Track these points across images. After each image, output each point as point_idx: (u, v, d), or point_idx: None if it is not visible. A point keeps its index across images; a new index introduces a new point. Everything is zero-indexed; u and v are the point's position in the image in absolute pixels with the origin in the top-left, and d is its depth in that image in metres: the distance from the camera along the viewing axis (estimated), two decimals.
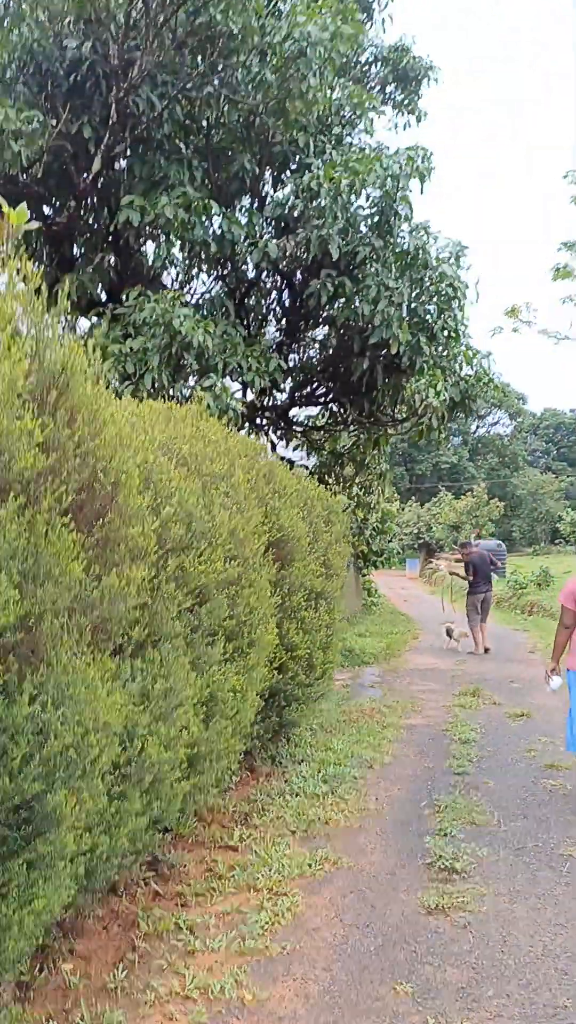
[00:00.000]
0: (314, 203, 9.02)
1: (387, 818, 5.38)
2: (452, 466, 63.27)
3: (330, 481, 13.78)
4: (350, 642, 14.61)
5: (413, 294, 9.85)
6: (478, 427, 72.15)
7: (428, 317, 10.11)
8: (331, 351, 11.29)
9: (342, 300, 9.63)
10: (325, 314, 10.51)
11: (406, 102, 12.75)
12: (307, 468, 13.66)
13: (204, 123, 9.74)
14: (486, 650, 14.38)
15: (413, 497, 55.15)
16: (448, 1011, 3.07)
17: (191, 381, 8.75)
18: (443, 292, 10.04)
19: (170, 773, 3.50)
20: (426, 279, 9.86)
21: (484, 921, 3.84)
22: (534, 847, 4.86)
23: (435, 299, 10.03)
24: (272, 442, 11.95)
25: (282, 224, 9.94)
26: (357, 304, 9.16)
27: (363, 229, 9.48)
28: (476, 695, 10.36)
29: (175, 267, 10.64)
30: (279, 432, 12.30)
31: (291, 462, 13.98)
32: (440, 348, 10.40)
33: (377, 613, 22.71)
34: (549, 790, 6.08)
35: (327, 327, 11.09)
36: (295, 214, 9.42)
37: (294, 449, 13.25)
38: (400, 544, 52.91)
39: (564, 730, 6.52)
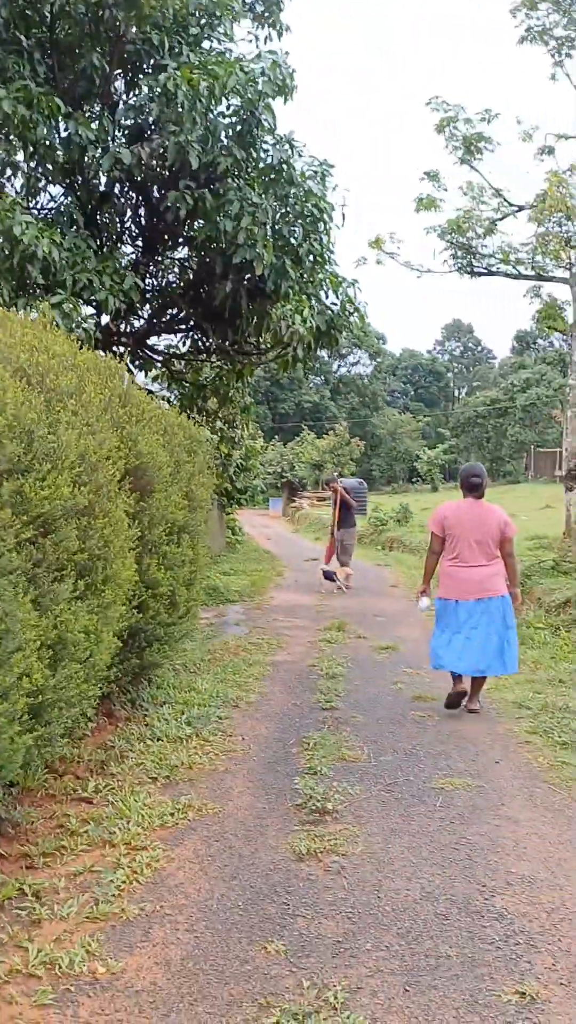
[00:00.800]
0: (171, 107, 8.31)
1: (254, 759, 5.10)
2: (314, 405, 63.63)
3: (192, 414, 13.25)
4: (214, 580, 14.28)
5: (278, 214, 9.36)
6: (339, 367, 72.67)
7: (293, 239, 9.66)
8: (192, 273, 10.67)
9: (202, 219, 9.02)
10: (185, 233, 9.86)
11: (267, 14, 12.01)
12: (168, 401, 13.08)
13: (47, 13, 8.79)
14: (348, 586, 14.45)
15: (276, 436, 55.09)
16: (324, 969, 2.81)
17: (38, 301, 7.99)
18: (309, 212, 9.60)
19: (8, 727, 3.05)
20: (291, 197, 9.38)
21: (358, 865, 3.62)
22: (406, 781, 4.70)
23: (300, 220, 9.58)
24: (129, 370, 11.25)
25: (137, 131, 9.18)
26: (219, 220, 8.57)
27: (224, 139, 8.86)
28: (342, 630, 10.29)
29: (18, 176, 9.67)
30: (137, 361, 11.61)
31: (150, 392, 13.35)
32: (306, 273, 9.99)
33: (241, 551, 22.50)
34: (418, 722, 5.98)
35: (187, 247, 10.45)
36: (150, 119, 8.69)
37: (154, 380, 12.60)
38: (263, 483, 53.01)
39: (428, 661, 6.60)
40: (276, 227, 9.42)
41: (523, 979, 2.74)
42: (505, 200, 14.71)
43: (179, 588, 6.13)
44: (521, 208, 14.64)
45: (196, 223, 9.24)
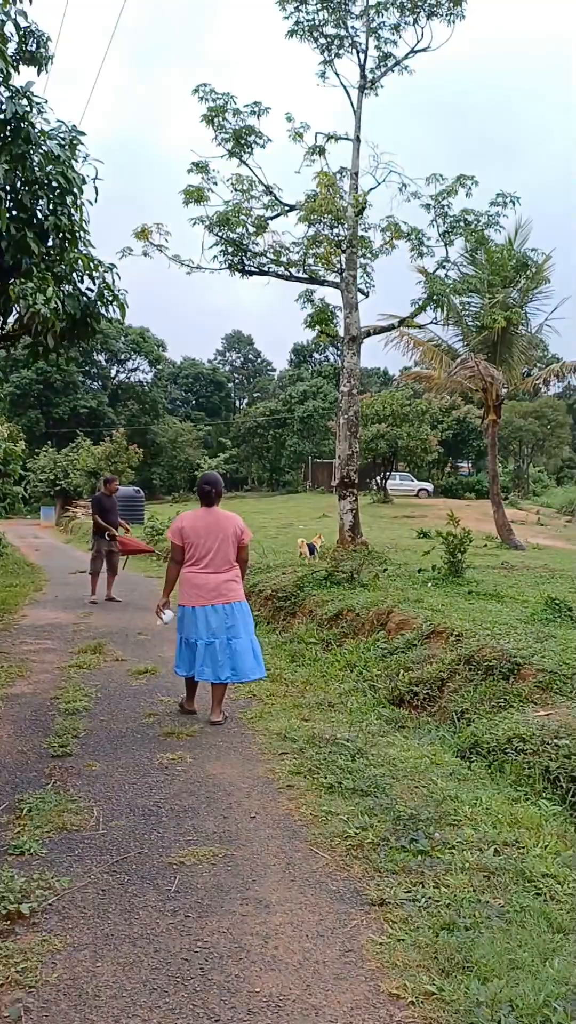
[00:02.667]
0: None
1: None
2: (91, 411, 61.32)
3: None
4: None
5: (17, 180, 8.14)
6: (118, 372, 70.74)
7: (38, 212, 8.48)
8: None
9: None
10: None
11: None
12: None
13: None
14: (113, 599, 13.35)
15: (49, 442, 52.38)
16: None
17: None
18: (55, 183, 8.45)
19: None
20: (33, 163, 8.20)
21: (50, 1003, 2.62)
22: (138, 856, 3.76)
23: (45, 190, 8.41)
24: None
25: None
26: None
27: None
28: (98, 652, 9.18)
29: None
30: None
31: None
32: (53, 251, 8.83)
33: (1, 564, 20.59)
34: (166, 768, 5.04)
35: None
36: None
37: None
38: (35, 491, 50.21)
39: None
40: (17, 196, 8.21)
41: None
42: (276, 198, 14.24)
43: None
44: (292, 208, 14.23)
45: None
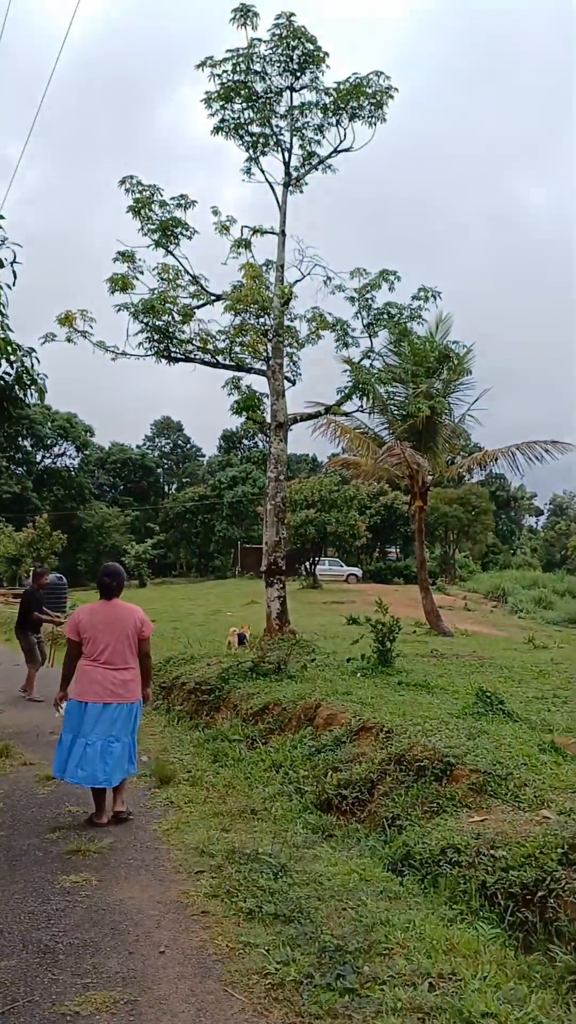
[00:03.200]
0: None
1: None
2: (15, 496, 60.11)
3: None
4: None
5: None
6: (44, 457, 69.88)
7: None
8: None
9: None
10: None
11: None
12: None
13: None
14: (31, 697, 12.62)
15: None
16: None
17: None
18: None
19: None
20: None
21: None
22: (27, 1007, 3.27)
23: None
24: None
25: None
26: None
27: None
28: (5, 755, 8.53)
29: None
30: None
31: None
32: None
33: None
34: (68, 893, 4.53)
35: None
36: None
37: None
38: None
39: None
40: None
41: None
42: (203, 287, 14.31)
43: None
44: (218, 298, 14.30)
45: None
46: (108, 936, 3.92)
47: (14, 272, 8.97)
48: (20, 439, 66.05)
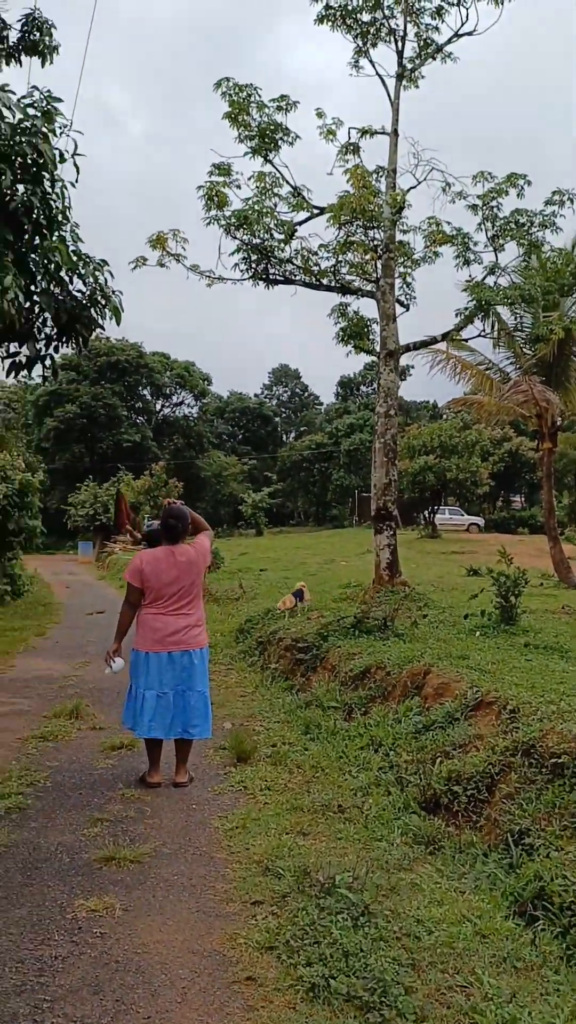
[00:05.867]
0: None
1: None
2: (135, 445, 60.50)
3: None
4: None
5: None
6: (163, 407, 70.20)
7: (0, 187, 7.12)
8: None
9: None
10: None
11: None
12: None
13: None
14: None
15: (92, 477, 51.58)
16: None
17: None
18: (25, 156, 7.11)
19: None
20: None
21: None
22: None
23: (11, 165, 7.04)
24: None
25: None
26: None
27: None
28: (75, 716, 7.65)
29: None
30: None
31: None
32: (25, 237, 7.46)
33: (19, 604, 19.25)
34: (79, 927, 3.40)
35: None
36: None
37: None
38: (75, 526, 49.42)
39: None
40: None
41: None
42: (305, 199, 12.79)
43: None
44: (322, 211, 12.75)
45: None
46: (107, 1018, 2.73)
47: (76, 166, 7.84)
48: (140, 388, 66.46)
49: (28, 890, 3.75)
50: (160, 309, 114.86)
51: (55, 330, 8.73)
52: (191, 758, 5.85)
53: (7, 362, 9.00)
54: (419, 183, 12.88)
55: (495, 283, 12.98)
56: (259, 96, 12.56)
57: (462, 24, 12.85)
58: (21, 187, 7.45)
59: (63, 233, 8.03)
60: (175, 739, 5.63)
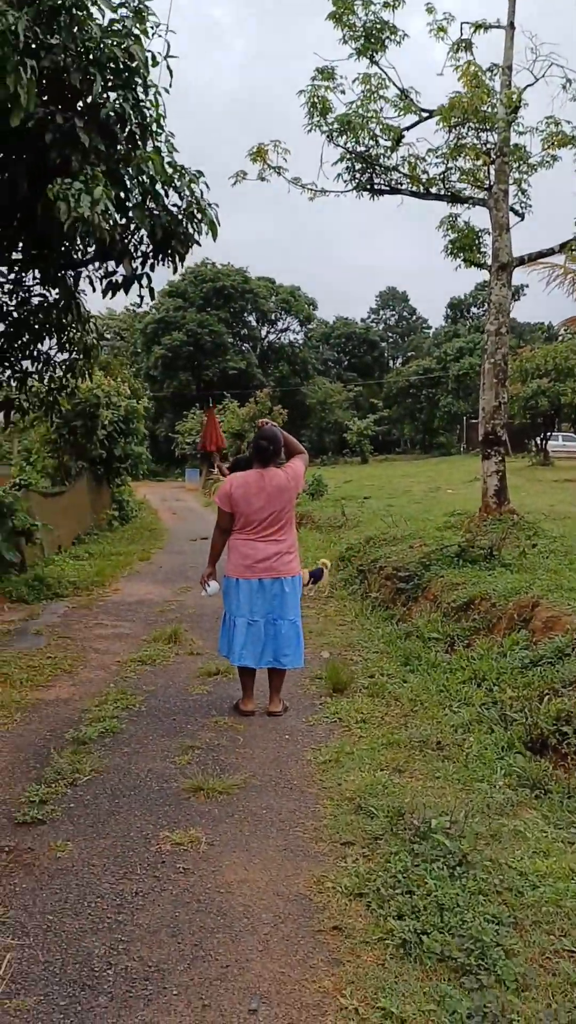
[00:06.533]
0: None
1: None
2: (241, 372, 60.41)
3: (13, 360, 10.36)
4: (53, 569, 11.50)
5: (64, 54, 6.46)
6: (268, 333, 69.63)
7: (89, 93, 6.81)
8: None
9: None
10: None
11: None
12: None
13: None
14: None
15: (198, 405, 51.91)
16: None
17: None
18: (114, 56, 6.75)
19: None
20: (71, 23, 6.43)
21: None
22: None
23: (97, 68, 6.69)
24: None
25: None
26: None
27: None
28: (174, 640, 7.64)
29: None
30: None
31: None
32: (118, 146, 7.18)
33: (126, 529, 19.61)
34: (162, 860, 3.29)
35: None
36: None
37: None
38: (182, 453, 50.07)
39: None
40: (61, 74, 6.54)
41: None
42: (413, 103, 11.95)
43: None
44: (431, 114, 11.90)
45: None
46: (184, 964, 2.59)
47: (169, 69, 7.45)
48: (245, 314, 66.01)
49: (114, 819, 3.67)
50: (261, 233, 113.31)
51: (150, 247, 8.51)
52: (287, 687, 5.71)
53: (104, 283, 8.90)
54: (536, 81, 11.79)
55: None
56: None
57: None
58: (112, 94, 7.15)
59: (157, 143, 7.73)
60: (267, 668, 5.49)
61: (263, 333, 69.65)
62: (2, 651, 7.14)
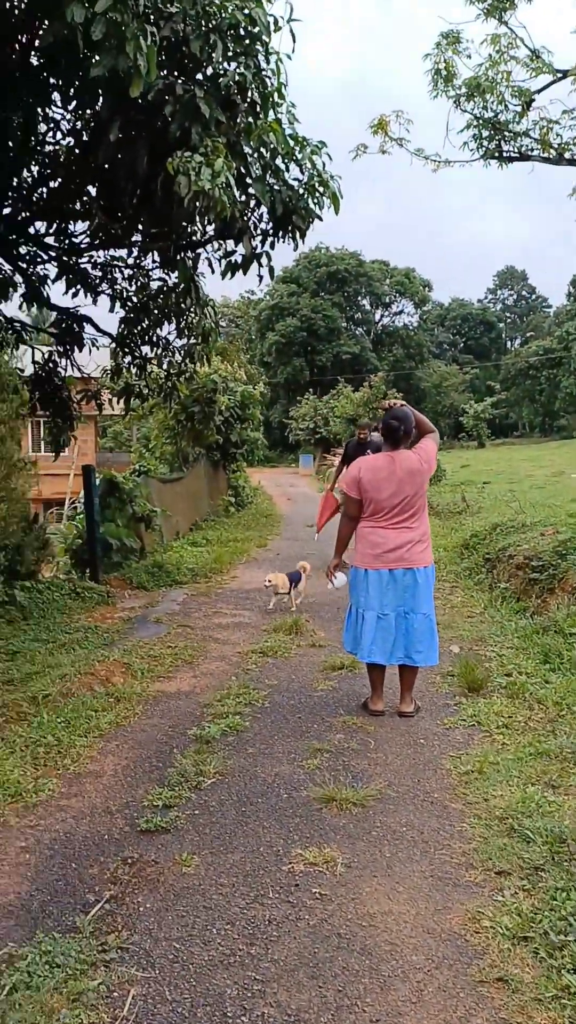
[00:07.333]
0: None
1: None
2: (354, 357, 59.87)
3: (136, 344, 10.30)
4: (172, 555, 11.46)
5: (182, 21, 6.21)
6: (382, 316, 68.70)
7: (209, 62, 6.54)
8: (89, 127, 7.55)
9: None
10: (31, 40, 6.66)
11: None
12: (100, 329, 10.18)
13: None
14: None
15: (312, 390, 51.75)
16: None
17: None
18: (235, 22, 6.46)
19: None
20: None
21: None
22: None
23: (219, 35, 6.41)
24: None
25: None
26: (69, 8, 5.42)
27: None
28: (295, 632, 7.38)
29: None
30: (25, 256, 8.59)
31: (76, 317, 10.36)
32: (239, 117, 6.89)
33: (242, 515, 19.56)
34: (295, 883, 2.98)
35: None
36: None
37: (73, 295, 9.50)
38: (296, 439, 50.00)
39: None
40: (182, 42, 6.29)
41: None
42: (546, 63, 11.21)
43: None
44: (566, 74, 11.13)
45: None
46: (328, 1014, 2.25)
47: (292, 34, 7.08)
48: (359, 297, 65.34)
49: (242, 831, 3.40)
50: (374, 217, 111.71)
51: (270, 224, 8.20)
52: (417, 684, 5.34)
53: (223, 263, 8.66)
54: None
55: None
56: None
57: None
58: (232, 64, 6.86)
59: (279, 114, 7.41)
60: (398, 665, 5.13)
61: (377, 317, 68.87)
62: (124, 640, 7.04)
